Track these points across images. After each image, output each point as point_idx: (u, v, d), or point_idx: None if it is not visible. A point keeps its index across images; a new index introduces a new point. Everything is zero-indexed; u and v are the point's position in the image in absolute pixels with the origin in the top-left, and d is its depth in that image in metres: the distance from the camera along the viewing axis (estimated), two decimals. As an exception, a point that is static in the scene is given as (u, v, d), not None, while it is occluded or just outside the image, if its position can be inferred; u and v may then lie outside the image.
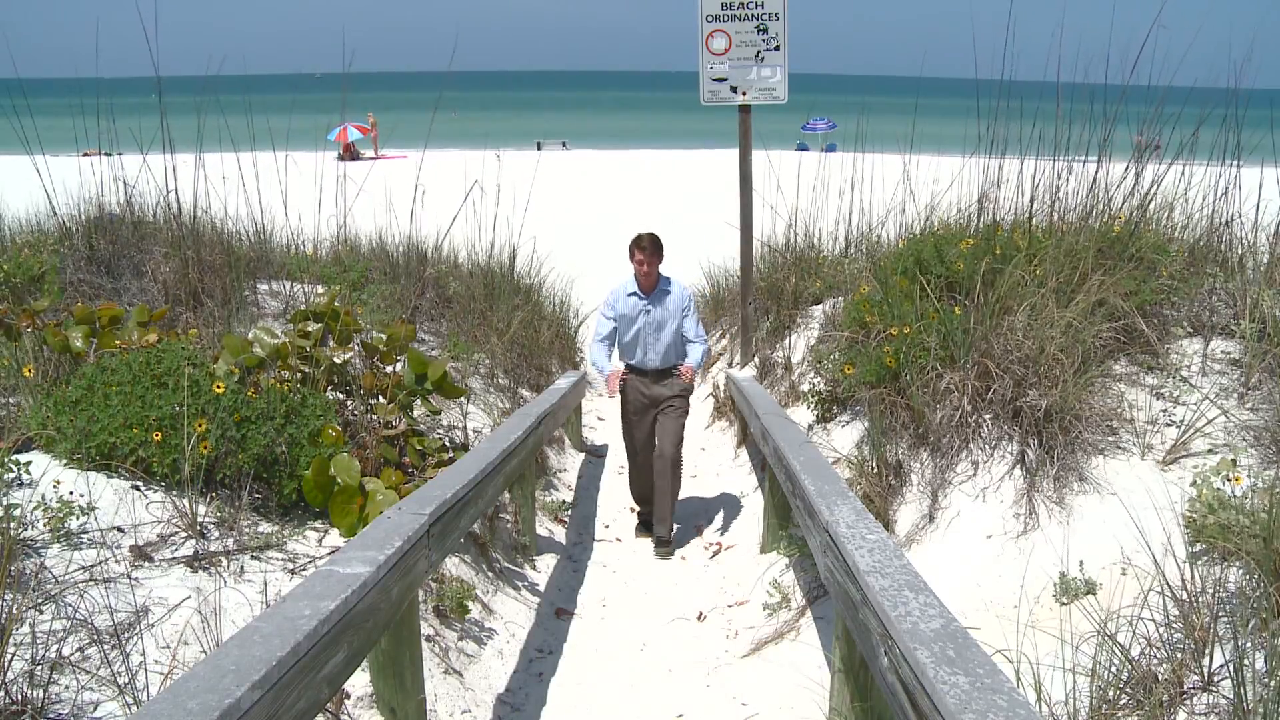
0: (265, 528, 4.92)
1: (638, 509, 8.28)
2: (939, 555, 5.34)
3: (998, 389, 5.78)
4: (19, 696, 3.00)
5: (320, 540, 5.07)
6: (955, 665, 2.59)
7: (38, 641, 3.25)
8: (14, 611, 3.22)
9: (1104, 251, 6.39)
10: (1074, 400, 5.36)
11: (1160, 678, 3.28)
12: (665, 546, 7.56)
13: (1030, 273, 6.29)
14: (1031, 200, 7.18)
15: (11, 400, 5.46)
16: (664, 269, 7.73)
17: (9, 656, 3.03)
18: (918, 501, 5.84)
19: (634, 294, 7.59)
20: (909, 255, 7.37)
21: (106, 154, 8.79)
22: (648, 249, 7.41)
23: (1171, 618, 3.53)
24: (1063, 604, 4.38)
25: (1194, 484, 4.25)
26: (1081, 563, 4.49)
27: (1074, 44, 6.91)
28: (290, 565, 4.67)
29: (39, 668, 3.14)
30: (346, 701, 4.05)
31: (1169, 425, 5.20)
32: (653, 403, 7.70)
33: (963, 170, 7.98)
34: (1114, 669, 3.30)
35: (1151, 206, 6.78)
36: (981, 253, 6.62)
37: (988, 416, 5.84)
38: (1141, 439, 5.16)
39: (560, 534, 7.90)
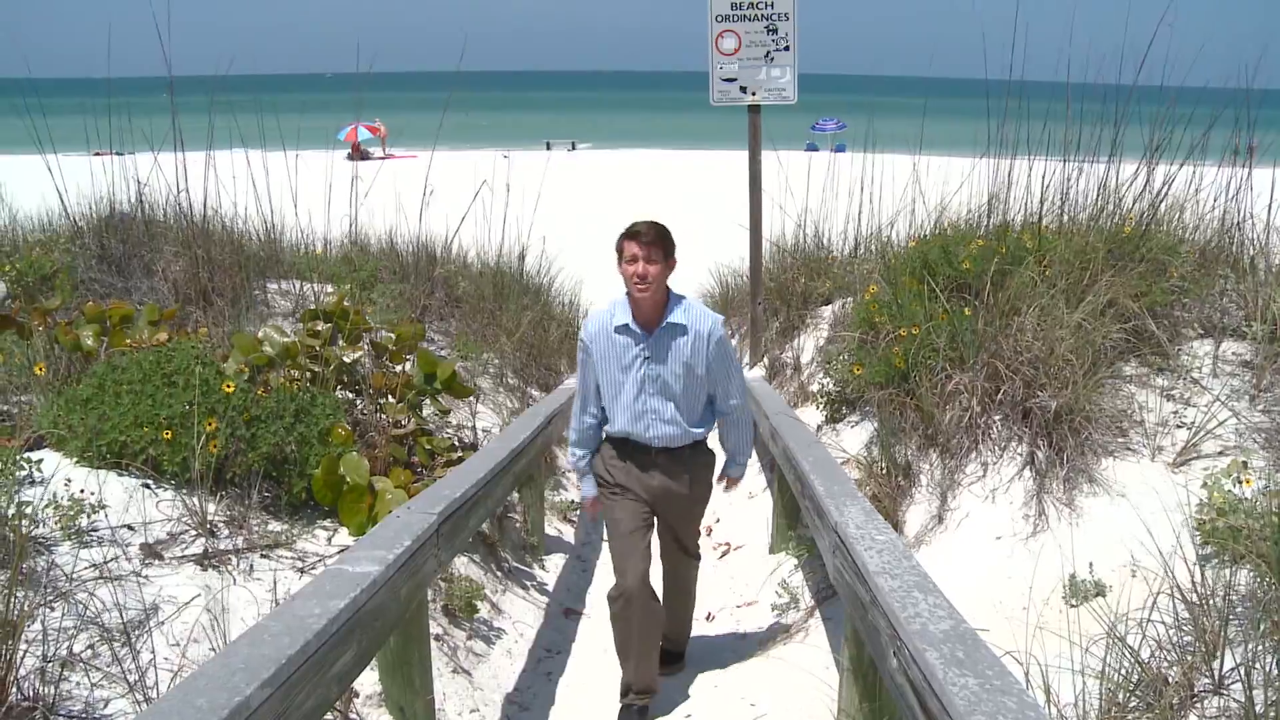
0: (274, 526, 4.94)
1: (622, 682, 4.98)
2: (948, 556, 5.33)
3: (1007, 390, 5.76)
4: (31, 693, 3.02)
5: (329, 539, 5.08)
6: (965, 667, 2.58)
7: (49, 639, 3.26)
8: (26, 609, 3.23)
9: (1114, 252, 6.37)
10: (1084, 402, 5.34)
11: (1170, 680, 3.27)
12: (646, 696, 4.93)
13: (1040, 273, 6.28)
14: (1041, 201, 7.16)
15: (23, 398, 5.48)
16: (675, 278, 4.91)
17: (21, 653, 3.04)
18: (927, 502, 5.83)
19: (624, 328, 4.66)
20: (918, 256, 7.35)
21: (118, 153, 8.82)
22: (648, 237, 4.52)
23: (1182, 620, 3.52)
24: (1072, 606, 4.37)
25: (1204, 486, 4.24)
26: (1091, 564, 4.48)
27: (1084, 44, 6.90)
28: (299, 564, 4.68)
29: (50, 665, 3.16)
30: (355, 700, 4.06)
31: (1179, 427, 5.18)
32: (657, 502, 4.93)
33: (972, 171, 7.96)
34: (1124, 671, 3.29)
35: (1162, 207, 6.76)
36: (991, 253, 6.61)
37: (997, 418, 5.83)
38: (1152, 441, 5.15)
39: (569, 534, 7.91)
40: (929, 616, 2.93)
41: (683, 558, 5.23)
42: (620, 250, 4.61)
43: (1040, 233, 6.85)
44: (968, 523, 5.48)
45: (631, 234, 4.58)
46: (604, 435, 5.04)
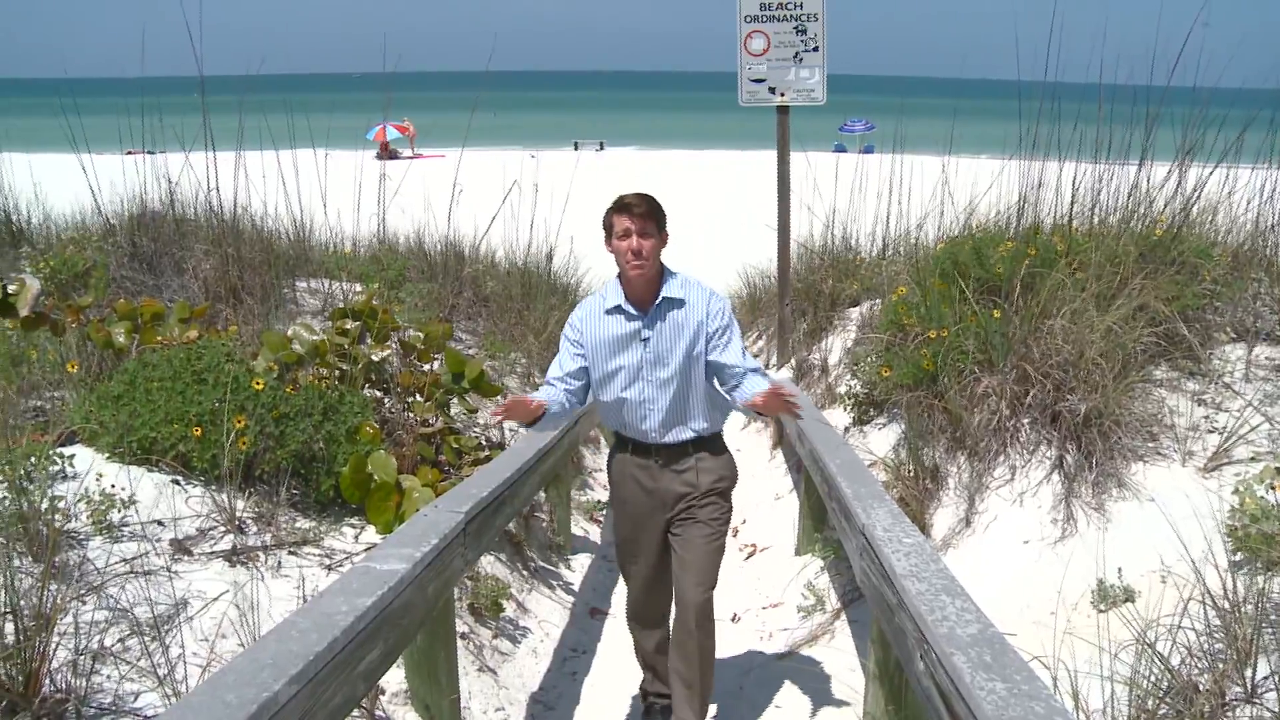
0: (302, 524, 4.96)
1: (643, 685, 4.92)
2: (975, 560, 5.31)
3: (1036, 393, 5.73)
4: (63, 685, 3.05)
5: (357, 537, 5.11)
6: (992, 671, 2.57)
7: (80, 632, 3.29)
8: (58, 602, 3.26)
9: (1145, 255, 6.32)
10: (1114, 405, 5.31)
11: (1201, 688, 3.24)
12: None
13: (1070, 276, 6.23)
14: (1072, 203, 7.11)
15: (56, 394, 5.53)
16: (686, 265, 4.65)
17: (54, 646, 3.07)
18: (954, 505, 5.80)
19: (616, 309, 4.29)
20: (947, 258, 7.32)
21: (149, 152, 8.89)
22: (639, 209, 4.14)
23: (1213, 627, 3.49)
24: (1101, 611, 4.34)
25: (1236, 492, 4.20)
26: (1120, 570, 4.45)
27: (1116, 44, 6.84)
28: (327, 561, 4.71)
29: (82, 657, 3.19)
30: (381, 697, 4.08)
31: (1211, 432, 5.14)
32: (663, 504, 4.40)
33: (1002, 172, 7.92)
34: (1153, 678, 3.26)
35: (1194, 210, 6.70)
36: (1021, 256, 6.57)
37: (1026, 421, 5.80)
38: (1182, 445, 5.10)
39: (595, 533, 7.91)
40: (956, 620, 2.91)
41: (699, 600, 4.30)
42: (609, 226, 4.21)
43: (1071, 235, 6.80)
44: (995, 526, 5.45)
45: (621, 207, 4.17)
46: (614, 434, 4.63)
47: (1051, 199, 7.44)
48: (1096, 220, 7.07)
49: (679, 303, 4.26)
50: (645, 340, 4.25)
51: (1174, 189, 6.74)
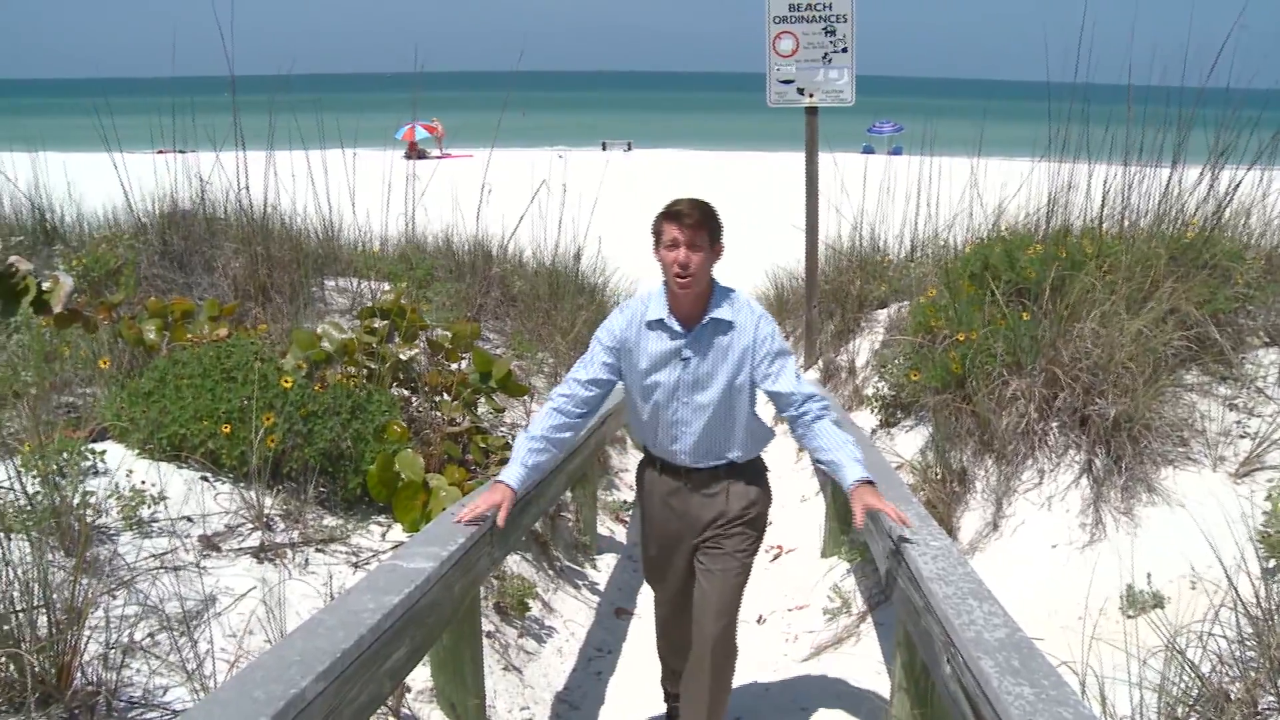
0: (330, 521, 4.99)
1: (663, 683, 4.78)
2: (1003, 563, 5.28)
3: (1065, 397, 5.70)
4: (94, 678, 3.08)
5: (383, 535, 5.13)
6: (1020, 676, 2.56)
7: (111, 626, 3.32)
8: (89, 596, 3.30)
9: (1177, 258, 6.27)
10: (1144, 410, 5.27)
11: (1233, 696, 3.21)
12: None
13: (1100, 279, 6.19)
14: (1102, 205, 7.06)
15: (88, 391, 5.58)
16: (729, 277, 4.12)
17: (85, 639, 3.10)
18: (981, 509, 5.77)
19: (659, 324, 3.94)
20: (976, 260, 7.29)
21: (180, 151, 8.97)
22: (691, 219, 3.79)
23: (1245, 635, 3.46)
24: (1129, 617, 4.31)
25: (1269, 498, 4.16)
26: (1149, 575, 4.42)
27: (1149, 45, 6.79)
28: (354, 559, 4.73)
29: (112, 651, 3.22)
30: (407, 695, 4.10)
31: (1242, 437, 5.10)
32: (691, 528, 4.15)
33: (1031, 174, 7.88)
34: (1183, 685, 3.24)
35: (1227, 213, 6.64)
36: (1050, 258, 6.53)
37: (1054, 424, 5.76)
38: (1213, 451, 5.06)
39: (621, 533, 7.92)
40: (984, 624, 2.90)
41: (716, 633, 4.05)
42: (658, 233, 3.86)
43: (1101, 237, 6.76)
44: (1023, 530, 5.42)
45: (672, 214, 3.81)
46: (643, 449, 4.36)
47: (1081, 201, 7.40)
48: (1127, 223, 7.02)
49: (727, 325, 3.90)
50: (685, 361, 3.92)
51: (1206, 191, 6.68)
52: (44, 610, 3.04)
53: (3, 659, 2.92)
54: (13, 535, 3.48)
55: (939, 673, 3.13)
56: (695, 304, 3.90)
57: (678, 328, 3.91)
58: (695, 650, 4.13)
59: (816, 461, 4.05)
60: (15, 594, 3.05)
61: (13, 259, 5.26)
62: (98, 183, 9.22)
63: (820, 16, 9.91)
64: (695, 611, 4.13)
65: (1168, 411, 5.36)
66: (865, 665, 5.10)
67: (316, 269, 8.93)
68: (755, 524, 4.19)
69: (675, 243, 3.78)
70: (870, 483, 3.75)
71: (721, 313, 3.90)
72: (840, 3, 9.86)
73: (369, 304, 6.99)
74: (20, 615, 2.99)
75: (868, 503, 3.69)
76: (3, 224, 8.77)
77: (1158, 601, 4.31)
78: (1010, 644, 2.76)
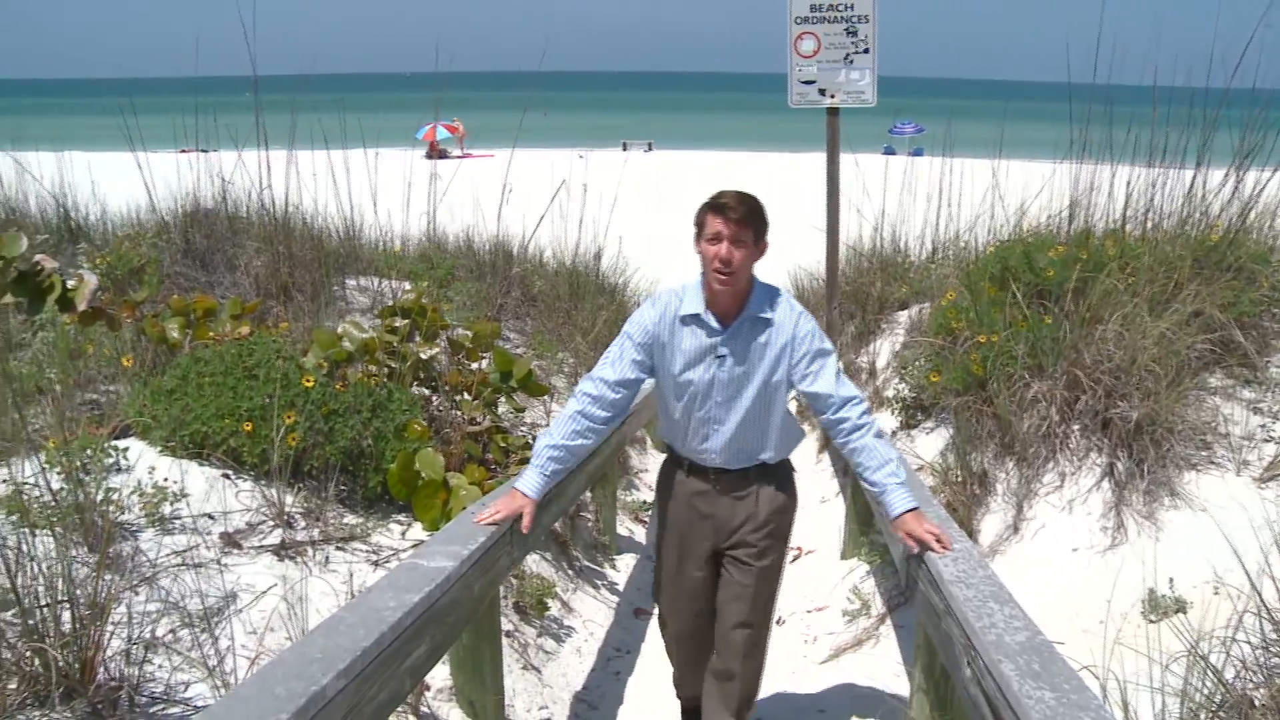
0: (350, 519, 5.01)
1: (675, 683, 4.56)
2: (1023, 566, 5.26)
3: (1087, 399, 5.67)
4: (117, 674, 3.10)
5: (403, 533, 5.14)
6: (1041, 680, 2.55)
7: (133, 622, 3.34)
8: (112, 592, 3.32)
9: (1200, 261, 6.22)
10: (1166, 413, 5.24)
11: (1256, 703, 3.19)
12: None
13: (1123, 281, 6.16)
14: (1125, 207, 7.02)
15: (111, 388, 5.62)
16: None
17: (108, 635, 3.12)
18: (1002, 512, 5.75)
19: (694, 318, 3.81)
20: (997, 261, 7.25)
21: (203, 151, 9.02)
22: (737, 214, 3.63)
23: (1269, 640, 3.43)
24: (1151, 621, 4.29)
25: (1293, 502, 4.13)
26: (1171, 580, 4.39)
27: (1173, 46, 6.75)
28: (374, 557, 4.75)
29: (134, 647, 3.24)
30: (426, 694, 4.11)
31: (1267, 441, 5.06)
32: (717, 530, 4.01)
33: (1053, 176, 7.84)
34: (1206, 691, 3.22)
35: (1252, 215, 6.59)
36: (1072, 260, 6.49)
37: (1076, 427, 5.73)
38: (1237, 455, 5.03)
39: (640, 534, 7.92)
40: (1005, 627, 2.89)
41: (745, 619, 3.99)
42: (701, 224, 3.71)
43: (1124, 239, 6.72)
44: (1044, 533, 5.40)
45: (716, 206, 3.65)
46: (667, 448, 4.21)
47: (1104, 203, 7.35)
48: (1150, 225, 6.98)
49: (765, 322, 3.76)
50: (721, 358, 3.77)
51: (1231, 193, 6.63)
52: (68, 605, 3.07)
53: (28, 653, 2.95)
54: (38, 531, 3.51)
55: (959, 676, 3.12)
56: (734, 300, 3.76)
57: (714, 324, 3.77)
58: (722, 664, 4.05)
59: (860, 479, 3.96)
60: (40, 589, 3.08)
61: (39, 257, 5.29)
62: (121, 182, 9.28)
63: (842, 17, 9.88)
64: (722, 626, 4.03)
65: (1191, 415, 5.32)
66: (885, 667, 5.09)
67: (338, 268, 8.97)
68: (785, 535, 4.08)
69: (718, 236, 3.64)
70: (912, 514, 3.66)
71: (761, 310, 3.77)
72: (862, 3, 9.82)
73: (390, 303, 7.00)
74: (45, 610, 3.02)
75: (911, 530, 3.65)
76: (29, 222, 8.82)
77: (1180, 606, 4.29)
78: (1031, 647, 2.75)
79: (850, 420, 3.75)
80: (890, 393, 8.18)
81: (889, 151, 36.10)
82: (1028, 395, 5.96)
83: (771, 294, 3.83)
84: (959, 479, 6.01)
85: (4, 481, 3.95)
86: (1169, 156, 6.91)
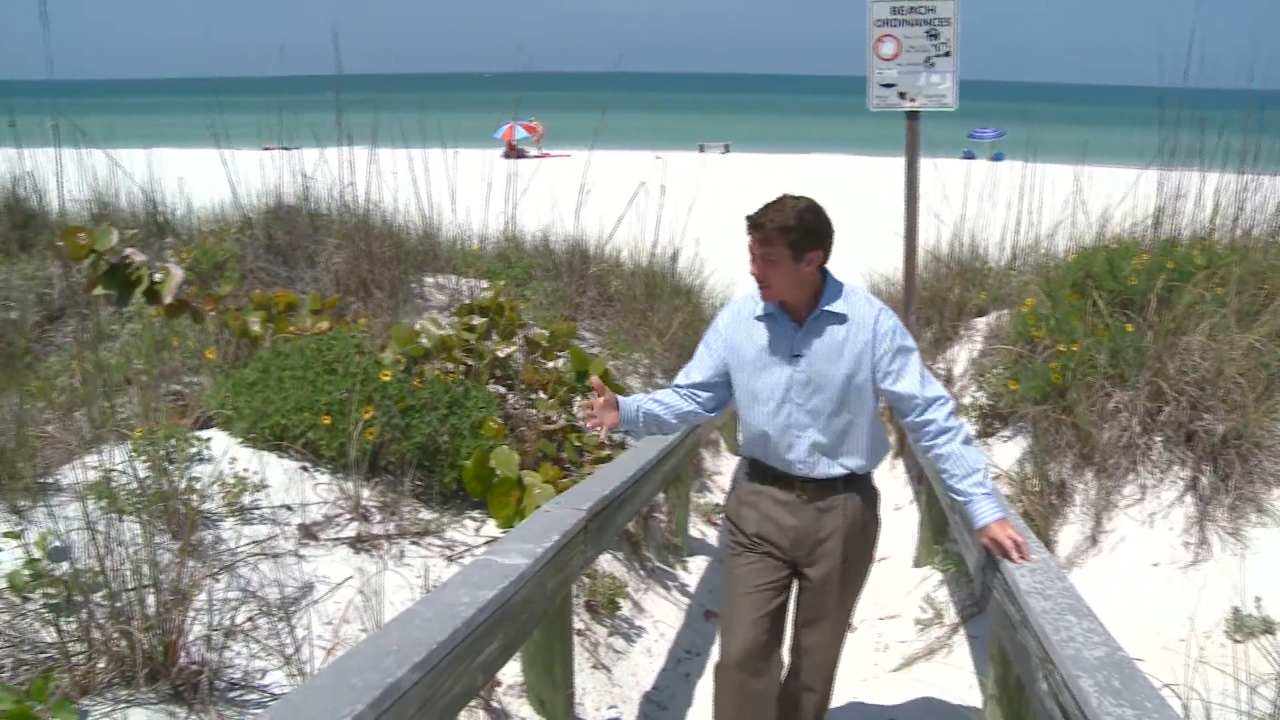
0: (425, 514, 5.06)
1: None
2: (1101, 580, 5.16)
3: (1170, 411, 5.55)
4: (198, 658, 3.17)
5: (477, 530, 5.19)
6: (1120, 697, 2.49)
7: (214, 608, 3.41)
8: (194, 579, 3.39)
9: (1293, 271, 6.07)
10: (1255, 427, 5.11)
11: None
12: None
13: (1210, 291, 6.01)
14: (1213, 214, 6.86)
15: (195, 380, 5.74)
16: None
17: (190, 620, 3.19)
18: (1080, 523, 5.65)
19: (768, 318, 3.69)
20: (1079, 268, 7.13)
21: (285, 148, 9.18)
22: (759, 231, 3.51)
23: (1359, 662, 3.34)
24: (1236, 641, 4.18)
25: (1387, 521, 4.01)
26: (1259, 600, 4.28)
27: (1270, 48, 6.58)
28: (448, 552, 4.79)
29: (215, 633, 3.30)
30: (498, 689, 4.13)
31: (1360, 458, 4.91)
32: (796, 543, 3.77)
33: (1138, 182, 7.68)
34: (1293, 713, 3.14)
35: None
36: (1157, 268, 6.36)
37: (1159, 439, 5.61)
38: (1329, 471, 4.89)
39: (712, 536, 7.90)
40: (1083, 641, 2.84)
41: (823, 638, 3.88)
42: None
43: (1211, 248, 6.56)
44: (1123, 546, 5.30)
45: (748, 221, 3.55)
46: (744, 457, 4.00)
47: (1191, 210, 7.19)
48: (1239, 233, 6.81)
49: (840, 318, 3.60)
50: (797, 358, 3.61)
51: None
52: (152, 590, 3.14)
53: (115, 634, 3.02)
54: (125, 517, 3.60)
55: (1035, 689, 3.07)
56: (804, 299, 3.62)
57: (788, 322, 3.64)
58: (795, 660, 3.95)
59: (943, 485, 3.80)
60: (127, 573, 3.16)
61: (128, 251, 5.42)
62: (206, 178, 9.49)
63: (923, 20, 9.76)
64: (805, 637, 3.89)
65: (1280, 430, 5.19)
66: (957, 677, 5.02)
67: (416, 266, 9.07)
68: (868, 556, 3.91)
69: (752, 252, 3.55)
70: (998, 524, 3.52)
71: (835, 305, 3.61)
72: (944, 6, 9.70)
73: (467, 301, 7.08)
74: (130, 594, 3.09)
75: (995, 535, 3.51)
76: (119, 217, 9.05)
77: (1268, 627, 4.17)
78: (1110, 663, 2.69)
79: (936, 423, 3.58)
80: (967, 400, 8.08)
81: (969, 156, 35.65)
82: (1108, 405, 5.85)
83: (848, 290, 3.68)
84: (1036, 489, 5.91)
85: (95, 468, 4.05)
86: (1261, 163, 6.73)
